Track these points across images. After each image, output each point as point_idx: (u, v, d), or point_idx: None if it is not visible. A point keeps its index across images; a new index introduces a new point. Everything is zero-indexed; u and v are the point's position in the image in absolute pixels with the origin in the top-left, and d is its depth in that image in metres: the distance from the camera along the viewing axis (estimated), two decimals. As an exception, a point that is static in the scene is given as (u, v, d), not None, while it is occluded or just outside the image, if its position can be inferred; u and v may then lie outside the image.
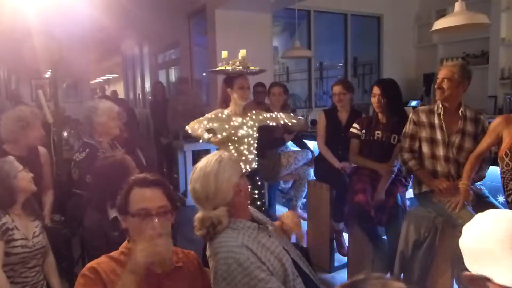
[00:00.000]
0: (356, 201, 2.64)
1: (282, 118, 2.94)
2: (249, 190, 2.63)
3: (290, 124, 2.97)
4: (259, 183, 2.90)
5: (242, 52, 2.77)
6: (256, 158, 2.88)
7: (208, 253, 1.50)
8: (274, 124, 2.97)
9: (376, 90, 2.76)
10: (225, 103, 2.84)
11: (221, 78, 2.97)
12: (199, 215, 1.48)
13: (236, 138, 2.73)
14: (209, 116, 2.77)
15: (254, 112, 2.89)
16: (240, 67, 2.70)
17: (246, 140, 2.77)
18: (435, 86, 2.39)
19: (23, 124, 2.57)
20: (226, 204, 1.48)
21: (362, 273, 0.85)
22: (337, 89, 3.27)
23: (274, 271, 1.44)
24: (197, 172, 1.50)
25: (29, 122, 2.59)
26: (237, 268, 1.37)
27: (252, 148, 2.83)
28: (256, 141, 2.88)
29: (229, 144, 2.73)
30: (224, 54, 2.79)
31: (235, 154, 2.73)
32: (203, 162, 1.53)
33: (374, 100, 2.78)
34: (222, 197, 1.47)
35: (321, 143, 3.38)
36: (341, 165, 3.14)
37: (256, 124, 2.86)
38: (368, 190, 2.67)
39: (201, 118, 2.77)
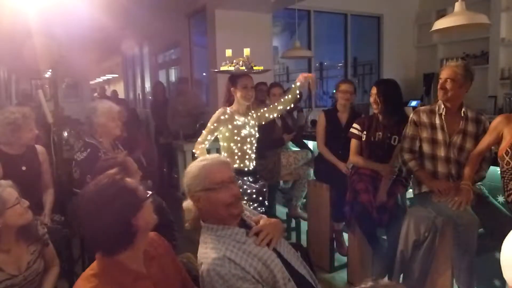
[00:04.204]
0: (360, 201, 2.65)
1: (280, 103, 2.96)
2: (250, 185, 2.67)
3: (285, 105, 2.98)
4: (260, 181, 2.89)
5: (246, 51, 2.75)
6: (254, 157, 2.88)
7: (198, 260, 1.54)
8: (274, 115, 2.98)
9: (373, 90, 2.78)
10: (229, 103, 2.81)
11: (222, 78, 2.95)
12: None
13: (239, 138, 2.72)
14: (211, 127, 2.68)
15: (253, 111, 2.89)
16: (244, 67, 2.69)
17: (248, 139, 2.77)
18: (438, 86, 2.39)
19: (13, 127, 2.51)
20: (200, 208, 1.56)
21: (370, 280, 0.84)
22: (347, 87, 3.27)
23: (261, 278, 1.45)
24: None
25: (20, 125, 2.53)
26: (218, 280, 1.40)
27: (254, 148, 2.84)
28: (257, 141, 2.88)
29: (232, 144, 2.72)
30: (228, 52, 2.76)
31: (239, 154, 2.73)
32: (194, 162, 1.63)
33: (371, 100, 2.80)
34: (192, 195, 1.56)
35: (321, 144, 3.37)
36: (348, 171, 3.11)
37: (257, 123, 2.87)
38: (370, 191, 2.67)
39: (203, 133, 2.71)
